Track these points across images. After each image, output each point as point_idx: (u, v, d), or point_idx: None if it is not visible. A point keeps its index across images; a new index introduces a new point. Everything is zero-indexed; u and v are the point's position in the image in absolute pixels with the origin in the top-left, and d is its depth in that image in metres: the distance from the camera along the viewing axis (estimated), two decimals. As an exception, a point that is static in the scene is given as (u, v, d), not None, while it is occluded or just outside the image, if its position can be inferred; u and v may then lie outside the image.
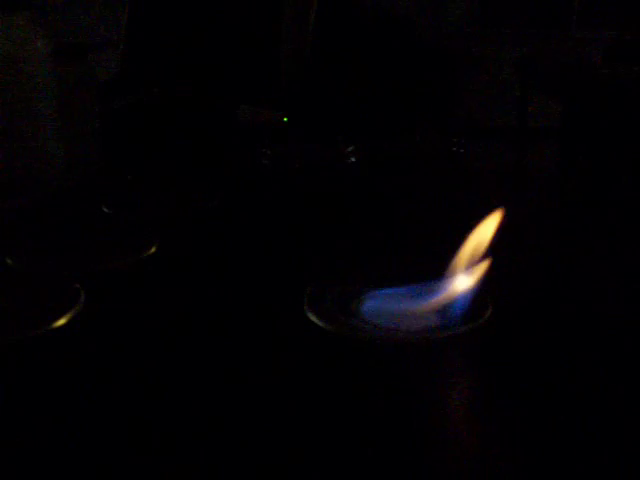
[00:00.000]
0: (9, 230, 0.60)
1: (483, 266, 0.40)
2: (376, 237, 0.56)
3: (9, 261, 0.48)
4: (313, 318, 0.39)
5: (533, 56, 2.70)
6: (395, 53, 1.63)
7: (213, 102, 0.93)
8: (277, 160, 0.76)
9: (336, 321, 0.39)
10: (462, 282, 0.40)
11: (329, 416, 0.32)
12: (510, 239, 0.55)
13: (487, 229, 0.41)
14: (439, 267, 0.41)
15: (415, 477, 0.29)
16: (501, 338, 0.39)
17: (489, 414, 0.33)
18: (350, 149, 0.77)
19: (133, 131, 0.86)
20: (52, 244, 0.53)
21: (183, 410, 0.33)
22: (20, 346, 0.38)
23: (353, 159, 0.76)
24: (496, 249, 0.42)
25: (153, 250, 0.50)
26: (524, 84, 2.75)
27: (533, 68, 2.68)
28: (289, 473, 0.29)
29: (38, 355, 0.38)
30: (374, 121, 1.05)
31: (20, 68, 0.66)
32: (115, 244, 0.52)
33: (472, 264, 0.40)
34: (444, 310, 0.39)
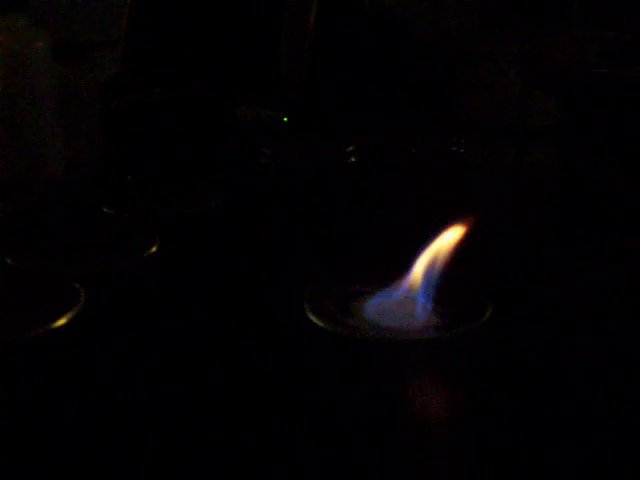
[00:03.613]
0: (9, 230, 0.59)
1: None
2: (376, 237, 0.56)
3: (9, 261, 0.48)
4: (313, 318, 0.39)
5: (533, 56, 2.70)
6: (395, 53, 1.63)
7: (213, 102, 0.93)
8: (277, 160, 0.76)
9: (336, 321, 0.39)
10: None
11: (329, 416, 0.32)
12: (510, 239, 0.56)
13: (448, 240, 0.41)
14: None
15: (415, 477, 0.29)
16: (501, 338, 0.39)
17: (489, 414, 0.33)
18: (350, 149, 0.77)
19: (133, 131, 0.86)
20: (52, 244, 0.53)
21: (183, 410, 0.33)
22: (20, 346, 0.38)
23: (353, 159, 0.76)
24: (496, 248, 0.42)
25: (153, 250, 0.50)
26: (524, 84, 2.75)
27: (533, 68, 2.68)
28: (289, 473, 0.29)
29: (38, 355, 0.38)
30: (374, 121, 1.05)
31: (20, 68, 0.66)
32: (115, 244, 0.52)
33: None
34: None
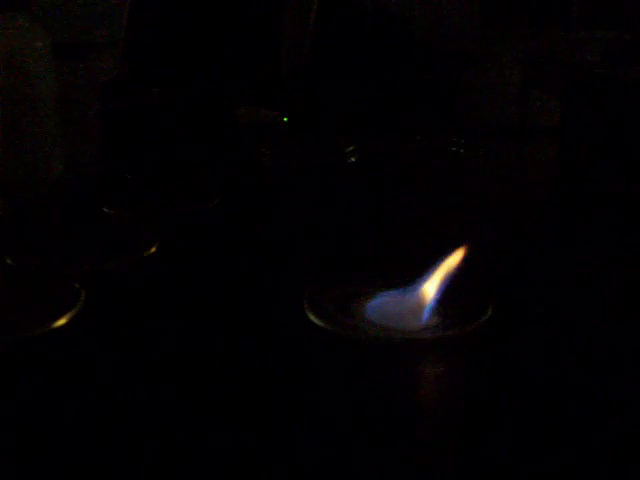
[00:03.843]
0: (9, 230, 0.60)
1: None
2: (376, 237, 0.56)
3: (9, 261, 0.48)
4: (313, 318, 0.39)
5: (533, 56, 2.70)
6: (395, 53, 1.63)
7: (213, 102, 0.93)
8: (277, 160, 0.76)
9: (336, 321, 0.39)
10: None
11: (329, 416, 0.32)
12: (510, 239, 0.56)
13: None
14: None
15: (415, 477, 0.29)
16: (501, 338, 0.39)
17: (489, 414, 0.33)
18: (350, 149, 0.77)
19: (133, 131, 0.86)
20: (52, 244, 0.53)
21: (183, 410, 0.33)
22: (20, 346, 0.38)
23: (353, 159, 0.76)
24: (496, 248, 0.42)
25: (153, 250, 0.50)
26: (524, 84, 2.75)
27: (533, 68, 2.68)
28: (289, 473, 0.29)
29: (38, 355, 0.38)
30: (374, 121, 1.05)
31: (20, 68, 0.66)
32: (115, 244, 0.52)
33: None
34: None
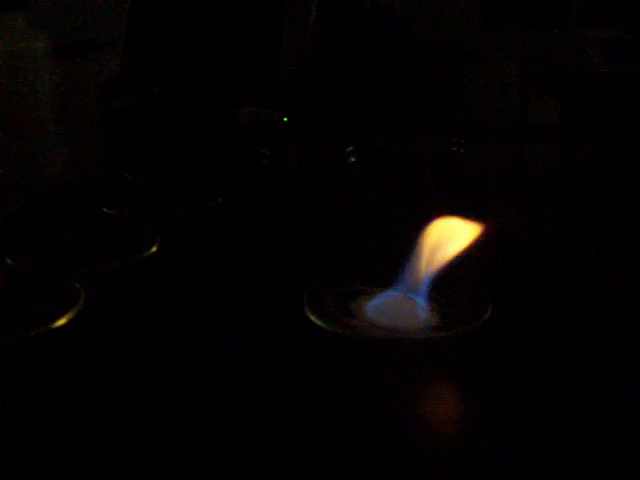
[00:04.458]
0: (9, 230, 0.60)
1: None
2: (376, 237, 0.56)
3: (9, 261, 0.48)
4: (313, 318, 0.39)
5: (533, 56, 2.70)
6: (395, 53, 1.63)
7: (213, 102, 0.93)
8: (277, 160, 0.76)
9: (336, 321, 0.39)
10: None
11: (329, 416, 0.32)
12: (510, 239, 0.56)
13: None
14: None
15: (415, 476, 0.29)
16: (501, 338, 0.39)
17: (488, 414, 0.33)
18: (350, 149, 0.77)
19: (133, 131, 0.86)
20: (52, 244, 0.53)
21: (183, 411, 0.33)
22: (20, 346, 0.38)
23: (353, 159, 0.76)
24: (496, 248, 0.42)
25: (153, 250, 0.50)
26: (524, 84, 2.75)
27: (533, 68, 2.68)
28: (289, 473, 0.29)
29: (38, 355, 0.38)
30: (374, 121, 1.05)
31: (20, 68, 0.66)
32: (115, 244, 0.52)
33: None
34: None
